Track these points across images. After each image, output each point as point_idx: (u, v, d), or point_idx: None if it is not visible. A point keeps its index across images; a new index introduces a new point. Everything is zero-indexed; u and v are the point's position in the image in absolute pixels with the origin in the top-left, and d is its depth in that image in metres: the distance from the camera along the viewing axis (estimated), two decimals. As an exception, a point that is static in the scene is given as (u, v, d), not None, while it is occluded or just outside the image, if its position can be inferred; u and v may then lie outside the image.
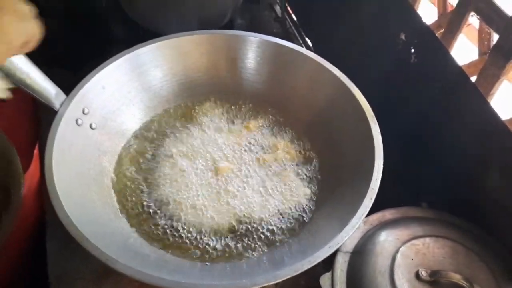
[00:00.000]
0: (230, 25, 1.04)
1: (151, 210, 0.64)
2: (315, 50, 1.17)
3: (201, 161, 0.70)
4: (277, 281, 0.49)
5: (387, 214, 0.73)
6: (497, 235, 0.68)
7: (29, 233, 0.92)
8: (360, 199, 0.55)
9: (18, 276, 0.90)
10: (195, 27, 0.75)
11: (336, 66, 0.70)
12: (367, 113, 0.64)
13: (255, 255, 0.60)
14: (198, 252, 0.60)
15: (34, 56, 0.61)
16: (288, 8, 1.32)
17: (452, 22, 0.74)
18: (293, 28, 1.24)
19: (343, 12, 1.05)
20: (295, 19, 1.29)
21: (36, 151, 0.93)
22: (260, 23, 1.25)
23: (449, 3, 0.79)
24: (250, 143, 0.73)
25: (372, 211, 0.73)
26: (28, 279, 0.92)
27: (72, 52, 0.97)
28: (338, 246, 0.52)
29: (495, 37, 0.68)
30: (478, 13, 0.70)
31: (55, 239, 0.81)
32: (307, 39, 1.23)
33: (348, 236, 0.52)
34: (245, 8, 1.17)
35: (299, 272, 0.50)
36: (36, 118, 0.94)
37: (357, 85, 0.69)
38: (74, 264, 0.78)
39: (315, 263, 0.50)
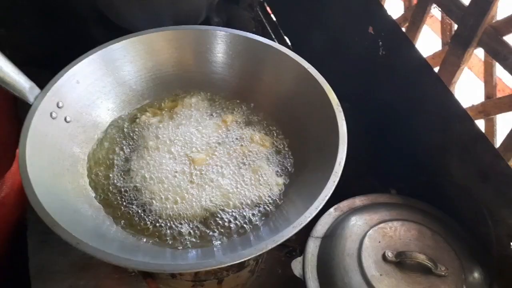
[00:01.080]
0: (207, 24, 1.06)
1: (125, 199, 0.65)
2: (294, 47, 1.20)
3: (177, 153, 0.71)
4: (242, 260, 0.51)
5: (357, 200, 0.76)
6: (459, 217, 0.71)
7: (11, 230, 0.93)
8: (324, 182, 0.57)
9: (1, 271, 0.92)
10: (170, 25, 0.78)
11: (312, 61, 0.72)
12: (332, 101, 0.66)
13: (225, 240, 0.61)
14: (171, 239, 0.62)
15: (12, 56, 0.63)
16: (268, 8, 1.35)
17: (416, 14, 0.77)
18: (268, 27, 1.27)
19: (318, 11, 1.08)
20: (274, 18, 1.32)
21: (18, 151, 0.94)
22: (239, 23, 1.28)
23: (414, -3, 0.82)
24: (226, 135, 0.75)
25: (343, 198, 0.76)
26: (11, 274, 0.93)
27: (48, 51, 0.99)
28: (302, 226, 0.54)
29: (455, 28, 0.71)
30: (439, 4, 0.73)
31: (35, 235, 0.83)
32: (285, 37, 1.26)
33: (311, 216, 0.54)
34: (224, 8, 1.19)
35: (264, 251, 0.52)
36: (18, 119, 0.95)
37: (332, 78, 0.71)
38: (53, 258, 0.80)
39: (279, 242, 0.52)
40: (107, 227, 0.61)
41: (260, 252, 0.52)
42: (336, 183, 0.58)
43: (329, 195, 0.57)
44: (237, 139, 0.74)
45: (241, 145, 0.74)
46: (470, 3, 0.65)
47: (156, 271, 0.56)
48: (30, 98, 0.64)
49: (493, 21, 0.64)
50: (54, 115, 0.65)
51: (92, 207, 0.63)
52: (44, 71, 0.70)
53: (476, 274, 0.64)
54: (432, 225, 0.69)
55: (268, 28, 1.26)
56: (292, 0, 1.18)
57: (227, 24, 1.17)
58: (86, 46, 0.72)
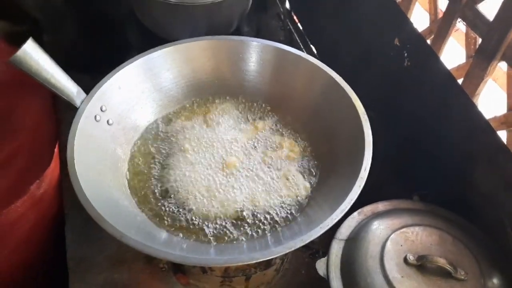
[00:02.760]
0: (237, 33, 1.10)
1: (161, 197, 0.70)
2: (320, 56, 1.23)
3: (210, 155, 0.75)
4: (272, 257, 0.55)
5: (380, 206, 0.78)
6: (482, 225, 0.73)
7: (50, 225, 0.99)
8: (350, 186, 0.61)
9: (41, 263, 0.97)
10: (203, 34, 0.82)
11: (339, 71, 0.76)
12: (359, 110, 0.69)
13: (255, 238, 0.65)
14: (204, 235, 0.66)
15: (57, 61, 0.68)
16: (295, 17, 1.39)
17: (442, 27, 0.80)
18: (296, 36, 1.30)
19: (344, 21, 1.11)
20: (301, 28, 1.36)
21: (56, 150, 1.00)
22: (267, 32, 1.32)
23: (440, 10, 0.84)
24: (257, 141, 0.79)
25: (367, 203, 0.79)
26: (49, 266, 0.98)
27: (90, 58, 1.05)
28: (328, 227, 0.57)
29: (480, 42, 0.73)
30: (464, 19, 0.75)
31: (73, 230, 0.87)
32: (312, 46, 1.29)
33: (338, 218, 0.58)
34: (253, 18, 1.24)
35: (293, 249, 0.55)
36: (55, 119, 1.01)
37: (357, 88, 0.75)
38: (90, 251, 0.85)
39: (307, 241, 0.56)
40: (145, 222, 0.66)
41: (289, 250, 0.55)
42: (361, 187, 0.61)
43: (355, 198, 0.60)
44: (267, 144, 0.78)
45: (271, 150, 0.77)
46: (495, 19, 0.68)
47: (193, 264, 0.60)
48: (77, 102, 0.69)
49: (517, 36, 0.67)
50: (98, 118, 0.70)
51: (131, 204, 0.68)
52: (84, 76, 0.75)
53: (495, 280, 0.66)
54: (453, 231, 0.71)
55: (296, 37, 1.29)
56: (319, 10, 1.22)
57: (257, 33, 1.21)
58: (124, 53, 0.77)
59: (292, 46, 0.79)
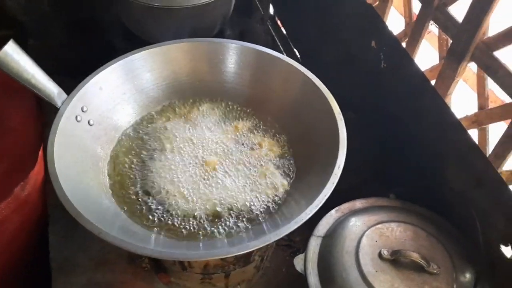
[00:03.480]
0: (220, 37, 1.12)
1: (142, 196, 0.71)
2: (303, 60, 1.26)
3: (190, 155, 0.76)
4: (248, 250, 0.56)
5: (358, 203, 0.80)
6: (454, 221, 0.75)
7: (34, 227, 0.99)
8: (324, 183, 0.63)
9: (24, 265, 0.98)
10: (186, 37, 0.84)
11: (321, 73, 0.77)
12: (334, 110, 0.71)
13: (233, 234, 0.67)
14: (184, 232, 0.67)
15: (40, 65, 0.69)
16: (278, 22, 1.41)
17: (415, 30, 0.82)
18: (278, 40, 1.33)
19: (325, 25, 1.13)
20: (284, 32, 1.38)
21: (41, 152, 1.01)
22: (251, 36, 1.34)
23: (414, 13, 0.87)
24: (237, 140, 0.81)
25: (345, 201, 0.81)
26: (33, 267, 0.98)
27: (76, 62, 1.06)
28: (303, 221, 0.58)
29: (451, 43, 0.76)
30: (436, 21, 0.78)
31: (56, 231, 0.88)
32: (295, 50, 1.32)
33: (312, 213, 0.59)
34: (237, 22, 1.26)
35: (267, 243, 0.57)
36: (40, 122, 1.02)
37: (338, 89, 0.77)
38: (73, 252, 0.86)
39: (281, 235, 0.57)
40: (124, 220, 0.67)
41: (264, 244, 0.57)
42: (335, 184, 0.63)
43: (328, 194, 0.62)
44: (247, 144, 0.80)
45: (251, 150, 0.79)
46: (464, 20, 0.70)
47: (169, 258, 0.62)
48: (58, 103, 0.70)
49: (485, 37, 0.69)
50: (79, 118, 0.72)
51: (111, 203, 0.69)
52: (69, 79, 0.76)
53: (467, 274, 0.68)
54: (427, 227, 0.73)
55: (278, 41, 1.32)
56: (302, 14, 1.24)
57: (240, 37, 1.23)
58: (109, 57, 0.79)
59: (275, 50, 0.81)
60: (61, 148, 0.65)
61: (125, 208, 0.69)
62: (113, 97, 0.78)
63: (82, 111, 0.73)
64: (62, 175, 0.62)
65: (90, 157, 0.72)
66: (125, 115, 0.80)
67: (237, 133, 0.81)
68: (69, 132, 0.69)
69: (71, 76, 0.77)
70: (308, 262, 0.72)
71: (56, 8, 1.08)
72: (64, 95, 0.71)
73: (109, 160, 0.75)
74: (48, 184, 0.92)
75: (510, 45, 0.66)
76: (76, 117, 0.71)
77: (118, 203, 0.70)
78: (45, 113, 1.02)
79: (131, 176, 0.74)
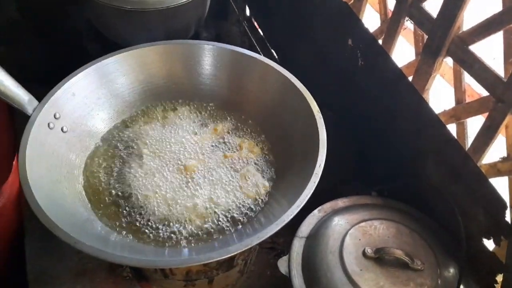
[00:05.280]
0: (196, 39, 1.11)
1: (119, 203, 0.69)
2: (281, 60, 1.25)
3: (169, 159, 0.75)
4: (230, 255, 0.55)
5: (340, 202, 0.80)
6: (436, 216, 0.75)
7: (9, 239, 0.96)
8: (305, 183, 0.62)
9: (1, 277, 0.95)
10: (161, 40, 0.82)
11: (299, 72, 0.77)
12: (313, 109, 0.71)
13: (215, 238, 0.65)
14: (164, 239, 0.65)
15: (10, 72, 0.67)
16: (255, 23, 1.41)
17: (391, 27, 0.82)
18: (255, 41, 1.32)
19: (301, 25, 1.13)
20: (261, 33, 1.37)
21: (15, 163, 0.98)
22: (228, 38, 1.33)
23: (390, 10, 0.87)
24: (217, 143, 0.79)
25: (327, 200, 0.80)
26: (9, 281, 0.95)
27: (47, 68, 1.03)
28: (285, 223, 0.58)
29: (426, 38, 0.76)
30: (411, 17, 0.78)
31: (33, 243, 0.86)
32: (272, 50, 1.31)
33: (293, 214, 0.58)
34: (213, 24, 1.25)
35: (249, 246, 0.56)
36: (14, 131, 0.99)
37: (316, 89, 0.76)
38: (51, 264, 0.83)
39: (263, 238, 0.56)
40: (102, 229, 0.65)
41: (246, 248, 0.56)
42: (316, 183, 0.62)
43: (310, 194, 0.61)
44: (227, 146, 0.79)
45: (231, 152, 0.78)
46: (438, 15, 0.70)
47: (149, 266, 0.60)
48: (29, 110, 0.68)
49: (460, 32, 0.69)
50: (51, 125, 0.70)
51: (88, 211, 0.67)
52: (42, 85, 0.74)
53: (451, 269, 0.68)
54: (409, 223, 0.73)
55: (255, 42, 1.31)
56: (278, 15, 1.24)
57: (216, 39, 1.22)
58: (82, 62, 0.77)
59: (253, 51, 0.81)
60: (33, 157, 0.63)
61: (102, 216, 0.68)
62: (87, 102, 0.76)
63: (55, 118, 0.70)
64: (35, 184, 0.60)
65: (65, 165, 0.69)
66: (101, 121, 0.78)
67: (217, 136, 0.80)
68: (42, 140, 0.67)
69: (42, 83, 0.75)
70: (292, 263, 0.71)
71: (25, 13, 1.05)
72: (35, 102, 0.69)
73: (85, 168, 0.73)
74: (23, 194, 0.90)
75: (485, 39, 0.66)
76: (49, 124, 0.69)
77: (95, 211, 0.68)
78: (17, 122, 0.99)
79: (108, 182, 0.72)
